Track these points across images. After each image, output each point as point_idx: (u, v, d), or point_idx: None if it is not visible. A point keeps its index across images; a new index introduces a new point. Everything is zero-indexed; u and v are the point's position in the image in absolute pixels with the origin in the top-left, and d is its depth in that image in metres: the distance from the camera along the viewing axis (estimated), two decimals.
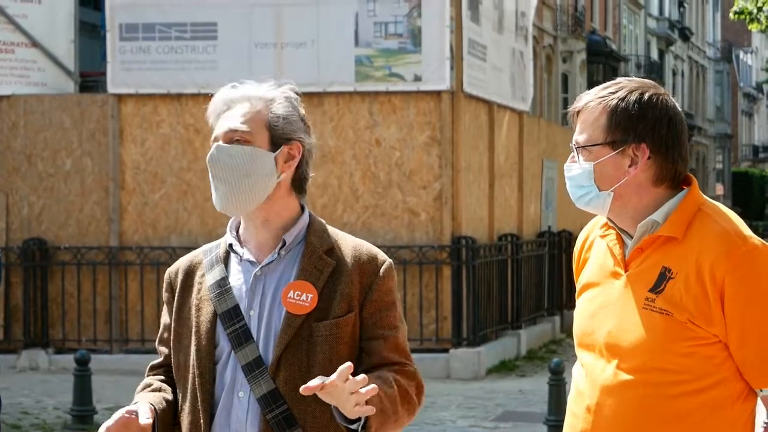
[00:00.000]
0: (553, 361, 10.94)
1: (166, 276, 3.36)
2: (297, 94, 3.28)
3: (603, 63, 42.73)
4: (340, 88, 15.03)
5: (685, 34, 65.73)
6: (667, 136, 3.08)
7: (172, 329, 3.27)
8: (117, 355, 14.98)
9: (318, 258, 3.17)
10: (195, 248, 3.45)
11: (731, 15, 22.21)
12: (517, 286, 16.93)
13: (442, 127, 14.90)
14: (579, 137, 3.12)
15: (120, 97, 15.39)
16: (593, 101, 3.12)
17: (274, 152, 3.18)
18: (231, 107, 3.21)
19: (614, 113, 3.07)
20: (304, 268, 3.16)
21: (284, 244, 3.18)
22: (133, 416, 3.04)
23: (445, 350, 14.76)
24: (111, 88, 15.46)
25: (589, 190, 3.11)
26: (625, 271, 3.12)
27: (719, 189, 60.96)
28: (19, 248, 15.12)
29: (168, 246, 15.04)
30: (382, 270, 3.22)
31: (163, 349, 3.32)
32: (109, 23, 15.55)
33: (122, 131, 15.39)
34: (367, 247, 3.26)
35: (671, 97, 3.14)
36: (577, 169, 3.14)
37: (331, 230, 3.27)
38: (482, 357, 14.84)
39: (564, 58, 38.82)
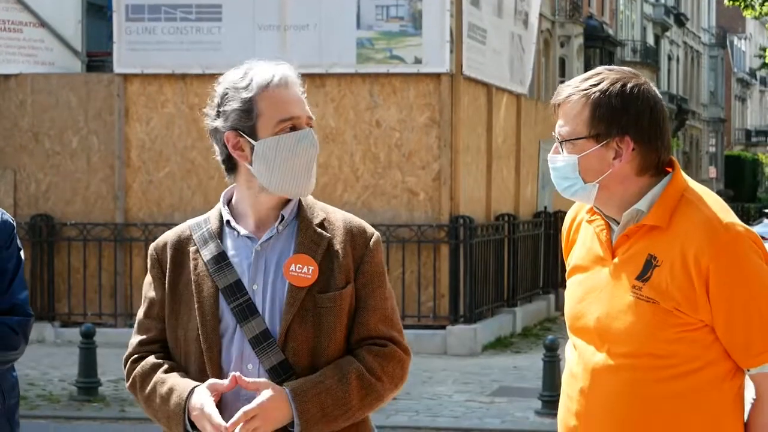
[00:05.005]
0: (548, 338, 11.02)
1: (151, 251, 3.36)
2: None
3: (600, 47, 42.97)
4: (342, 69, 15.10)
5: (680, 20, 65.84)
6: (649, 127, 3.08)
7: (167, 305, 3.31)
8: (121, 328, 15.05)
9: (313, 232, 3.24)
10: None
11: (726, 1, 22.35)
12: (513, 265, 17.02)
13: (442, 108, 14.98)
14: (562, 130, 3.14)
15: (126, 77, 15.53)
16: (575, 94, 3.11)
17: None
18: (290, 88, 3.25)
19: (597, 107, 3.06)
20: (301, 242, 3.22)
21: (282, 219, 3.25)
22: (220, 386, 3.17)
23: (443, 327, 14.87)
24: (117, 68, 15.60)
25: (574, 182, 3.12)
26: (613, 258, 3.14)
27: (712, 172, 61.14)
28: (27, 224, 15.27)
29: (172, 223, 15.06)
30: (371, 242, 3.28)
31: (155, 324, 3.35)
32: (116, 4, 15.66)
33: (128, 110, 15.54)
34: (357, 221, 3.33)
35: (651, 84, 3.12)
36: (561, 161, 3.14)
37: (319, 204, 3.34)
38: (478, 334, 14.96)
39: (561, 43, 39.02)
